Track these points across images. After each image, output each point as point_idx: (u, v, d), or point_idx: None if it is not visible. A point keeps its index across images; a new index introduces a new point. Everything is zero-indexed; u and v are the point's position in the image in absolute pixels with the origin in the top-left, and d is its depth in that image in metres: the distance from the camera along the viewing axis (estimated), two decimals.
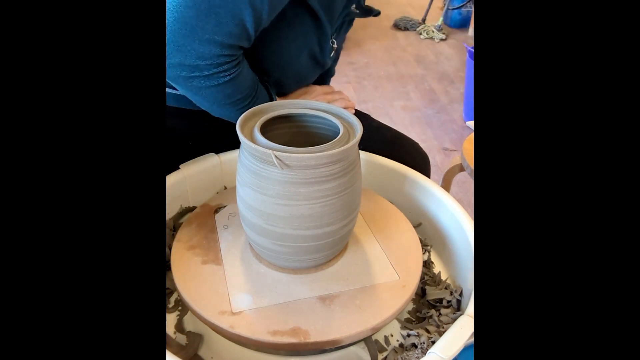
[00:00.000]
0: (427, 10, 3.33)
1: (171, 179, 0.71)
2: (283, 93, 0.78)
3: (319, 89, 0.81)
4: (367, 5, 0.79)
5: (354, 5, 0.75)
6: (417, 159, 0.88)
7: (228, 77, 0.61)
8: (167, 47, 0.56)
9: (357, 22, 3.59)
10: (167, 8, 0.54)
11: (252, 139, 0.52)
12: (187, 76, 0.59)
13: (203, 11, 0.55)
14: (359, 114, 0.86)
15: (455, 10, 3.24)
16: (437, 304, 0.62)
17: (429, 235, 0.73)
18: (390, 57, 2.89)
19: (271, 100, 0.71)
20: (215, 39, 0.56)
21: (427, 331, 0.58)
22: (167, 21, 0.55)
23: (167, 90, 0.73)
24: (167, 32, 0.55)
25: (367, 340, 0.56)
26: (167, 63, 0.57)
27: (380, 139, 0.86)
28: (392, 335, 0.58)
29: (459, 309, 0.61)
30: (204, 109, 0.68)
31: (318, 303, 0.53)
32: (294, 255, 0.55)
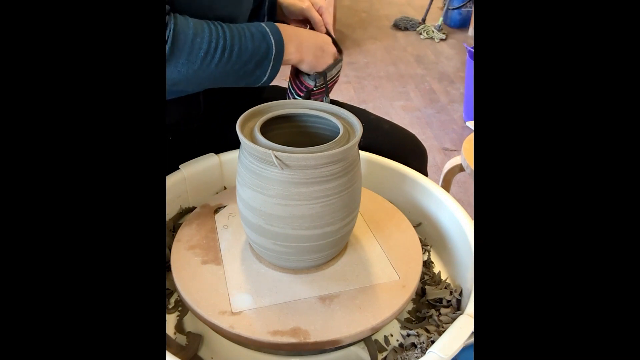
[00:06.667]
0: (427, 10, 3.33)
1: (171, 179, 0.71)
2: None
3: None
4: None
5: None
6: (414, 149, 0.89)
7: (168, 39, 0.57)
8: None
9: (357, 22, 3.55)
10: None
11: (252, 139, 0.52)
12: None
13: None
14: (355, 109, 0.86)
15: (455, 10, 3.24)
16: (437, 304, 0.62)
17: (429, 235, 0.73)
18: (390, 57, 2.89)
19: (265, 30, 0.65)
20: None
21: (427, 331, 0.58)
22: None
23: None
24: None
25: (367, 340, 0.56)
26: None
27: (379, 129, 0.87)
28: (392, 335, 0.58)
29: (458, 308, 0.61)
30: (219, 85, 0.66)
31: (318, 303, 0.53)
32: (294, 255, 0.55)
